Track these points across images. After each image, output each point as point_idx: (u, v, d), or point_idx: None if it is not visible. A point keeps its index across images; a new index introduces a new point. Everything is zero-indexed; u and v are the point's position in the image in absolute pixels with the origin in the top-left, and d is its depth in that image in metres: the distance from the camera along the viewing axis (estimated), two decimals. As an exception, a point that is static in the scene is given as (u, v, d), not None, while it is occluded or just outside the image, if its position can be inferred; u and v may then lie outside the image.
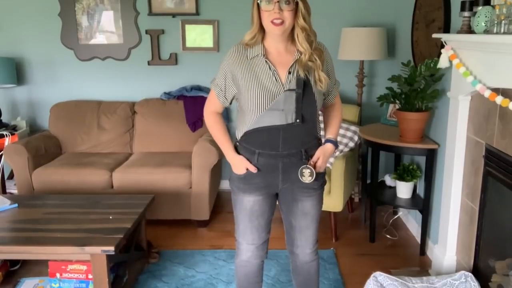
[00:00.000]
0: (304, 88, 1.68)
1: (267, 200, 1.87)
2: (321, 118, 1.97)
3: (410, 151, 2.89)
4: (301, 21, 1.64)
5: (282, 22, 1.62)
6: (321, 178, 1.86)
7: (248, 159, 1.78)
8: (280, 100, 1.68)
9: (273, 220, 1.96)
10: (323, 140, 1.86)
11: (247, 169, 1.78)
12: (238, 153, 1.82)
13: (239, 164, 1.80)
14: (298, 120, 1.70)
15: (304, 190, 1.82)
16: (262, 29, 1.70)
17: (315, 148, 1.80)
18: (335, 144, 1.84)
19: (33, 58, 3.89)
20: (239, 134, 1.82)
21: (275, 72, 1.69)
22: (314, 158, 1.77)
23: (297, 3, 1.62)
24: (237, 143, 1.83)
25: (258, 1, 1.64)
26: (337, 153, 3.17)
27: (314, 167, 1.76)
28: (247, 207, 1.87)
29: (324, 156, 1.79)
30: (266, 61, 1.69)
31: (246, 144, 1.78)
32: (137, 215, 2.46)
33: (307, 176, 1.74)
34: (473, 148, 2.31)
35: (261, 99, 1.68)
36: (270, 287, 2.55)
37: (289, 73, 1.69)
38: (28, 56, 3.89)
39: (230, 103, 1.85)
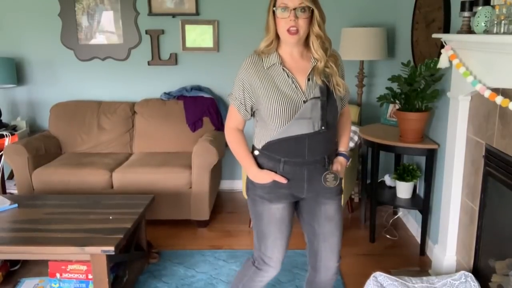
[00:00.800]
0: (327, 95, 1.69)
1: (291, 207, 1.83)
2: None
3: (410, 151, 2.89)
4: (316, 28, 1.64)
5: (297, 31, 1.61)
6: (341, 184, 1.84)
7: (272, 168, 1.74)
8: (307, 108, 1.66)
9: None
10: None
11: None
12: (257, 161, 1.77)
13: (264, 177, 1.75)
14: (323, 128, 1.69)
15: (327, 195, 1.79)
16: (277, 36, 1.68)
17: (334, 154, 1.83)
18: (347, 157, 1.86)
19: (33, 58, 3.90)
20: (259, 144, 1.77)
21: (294, 80, 1.67)
22: (334, 169, 1.78)
23: (312, 11, 1.62)
24: (258, 152, 1.77)
25: (274, 9, 1.63)
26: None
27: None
28: (277, 216, 1.78)
29: (341, 167, 1.82)
30: (283, 69, 1.67)
31: (269, 153, 1.74)
32: (137, 215, 2.46)
33: (331, 181, 1.75)
34: (473, 148, 2.31)
35: (283, 108, 1.65)
36: (270, 287, 2.55)
37: (308, 80, 1.68)
38: (28, 56, 3.89)
39: (252, 115, 1.80)
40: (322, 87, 1.67)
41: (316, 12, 1.62)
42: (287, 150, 1.70)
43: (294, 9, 1.58)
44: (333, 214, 1.82)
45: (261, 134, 1.76)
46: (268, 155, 1.73)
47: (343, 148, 1.87)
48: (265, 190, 1.76)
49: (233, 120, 1.81)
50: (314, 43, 1.66)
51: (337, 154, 1.85)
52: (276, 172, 1.73)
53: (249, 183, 1.82)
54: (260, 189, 1.77)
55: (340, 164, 1.81)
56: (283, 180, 1.72)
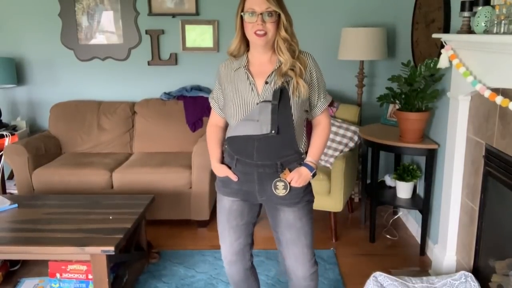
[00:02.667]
0: (280, 99, 1.68)
1: (246, 204, 1.86)
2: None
3: (410, 151, 2.89)
4: (283, 32, 1.67)
5: (265, 34, 1.65)
6: (303, 193, 1.79)
7: (229, 163, 1.82)
8: (255, 110, 1.70)
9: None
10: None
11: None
12: (223, 155, 1.87)
13: (220, 171, 1.85)
14: (273, 132, 1.69)
15: (283, 203, 1.78)
16: (245, 39, 1.74)
17: (295, 162, 1.77)
18: (311, 169, 1.76)
19: (33, 58, 3.90)
20: (226, 140, 1.88)
21: (252, 83, 1.71)
22: (288, 178, 1.73)
23: (279, 15, 1.66)
24: (225, 147, 1.86)
25: (242, 14, 1.70)
26: (337, 153, 3.17)
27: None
28: (226, 206, 1.87)
29: (299, 178, 1.74)
30: (245, 72, 1.73)
31: (228, 149, 1.83)
32: (137, 215, 2.46)
33: (280, 189, 1.73)
34: (473, 148, 2.31)
35: (238, 108, 1.72)
36: (270, 287, 2.55)
37: (266, 83, 1.70)
38: (28, 56, 3.89)
39: None
40: (275, 91, 1.68)
41: (282, 16, 1.66)
42: (238, 149, 1.77)
43: (261, 13, 1.63)
44: (293, 221, 1.79)
45: (227, 130, 1.87)
46: (228, 151, 1.83)
47: (309, 158, 1.79)
48: (220, 183, 1.87)
49: (212, 117, 1.95)
50: (281, 45, 1.68)
51: (301, 163, 1.78)
52: (231, 168, 1.81)
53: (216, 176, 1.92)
54: (219, 182, 1.88)
55: (299, 174, 1.73)
56: (233, 178, 1.79)
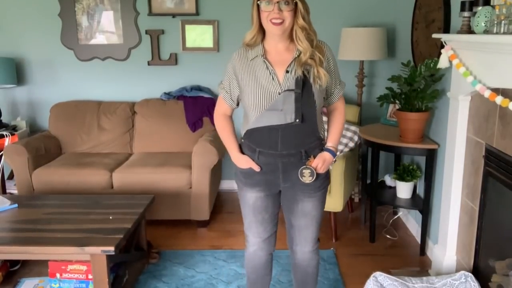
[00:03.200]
0: (303, 87, 1.70)
1: (269, 197, 1.88)
2: (325, 118, 1.97)
3: (410, 151, 2.89)
4: (300, 20, 1.66)
5: (282, 22, 1.64)
6: (324, 179, 1.86)
7: (250, 157, 1.82)
8: (279, 100, 1.70)
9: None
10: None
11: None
12: (242, 151, 1.86)
13: (243, 162, 1.83)
14: (297, 120, 1.71)
15: (305, 191, 1.83)
16: (262, 29, 1.72)
17: (317, 149, 1.81)
18: (333, 154, 1.83)
19: (33, 58, 3.90)
20: (242, 132, 1.86)
21: (272, 72, 1.71)
22: (314, 164, 1.77)
23: (296, 3, 1.65)
24: (242, 140, 1.86)
25: (258, 2, 1.66)
26: (338, 153, 3.16)
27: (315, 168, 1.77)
28: (250, 203, 1.89)
29: (323, 163, 1.79)
30: (264, 61, 1.72)
31: (248, 142, 1.82)
32: (137, 215, 2.46)
33: (307, 177, 1.75)
34: (473, 148, 2.31)
35: (259, 98, 1.71)
36: (270, 287, 2.54)
37: (287, 72, 1.70)
38: (28, 56, 3.89)
39: (237, 105, 1.88)
40: (298, 79, 1.69)
41: (299, 4, 1.65)
42: (261, 141, 1.77)
43: (278, 2, 1.62)
44: (310, 210, 1.88)
45: (244, 123, 1.85)
46: (248, 145, 1.82)
47: (330, 143, 1.85)
48: (243, 175, 1.86)
49: (220, 107, 1.91)
50: (299, 34, 1.68)
51: (323, 149, 1.83)
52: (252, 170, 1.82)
53: (235, 168, 1.91)
54: (240, 175, 1.88)
55: (323, 159, 1.79)
56: (256, 168, 1.79)
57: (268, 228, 1.94)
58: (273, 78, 1.70)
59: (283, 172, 1.80)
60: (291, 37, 1.72)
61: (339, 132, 1.88)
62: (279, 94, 1.70)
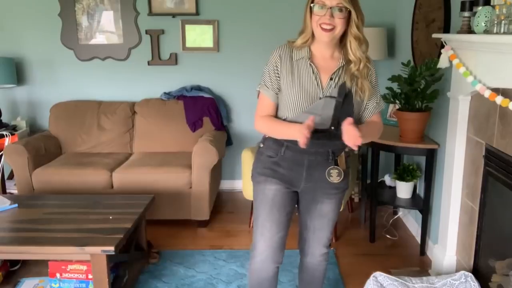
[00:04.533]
0: (345, 97, 1.68)
1: (289, 193, 1.82)
2: None
3: (410, 151, 2.89)
4: (354, 29, 1.63)
5: (332, 29, 1.61)
6: (346, 181, 1.84)
7: (274, 151, 1.77)
8: (319, 104, 1.68)
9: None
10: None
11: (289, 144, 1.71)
12: (264, 143, 1.82)
13: (302, 129, 1.58)
14: (333, 128, 1.70)
15: (326, 191, 1.81)
16: (313, 34, 1.68)
17: (342, 151, 1.78)
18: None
19: (33, 58, 3.90)
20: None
21: (317, 76, 1.69)
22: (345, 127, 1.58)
23: (349, 12, 1.61)
24: (266, 136, 1.81)
25: (311, 5, 1.63)
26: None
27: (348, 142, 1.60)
28: (269, 197, 1.80)
29: (350, 128, 1.57)
30: (310, 64, 1.70)
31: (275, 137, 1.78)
32: (137, 215, 2.46)
33: (335, 176, 1.75)
34: (473, 148, 2.31)
35: (299, 100, 1.69)
36: None
37: (331, 79, 1.69)
38: (28, 56, 3.89)
39: None
40: (341, 88, 1.67)
41: (353, 13, 1.61)
42: None
43: (331, 7, 1.59)
44: (327, 211, 1.86)
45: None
46: (274, 139, 1.77)
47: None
48: (266, 164, 1.80)
49: (261, 109, 1.79)
50: (352, 44, 1.65)
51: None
52: (276, 156, 1.77)
53: (254, 162, 1.86)
54: (261, 164, 1.81)
55: (351, 128, 1.55)
56: (309, 124, 1.57)
57: (281, 232, 1.83)
58: (317, 83, 1.69)
59: (307, 169, 1.77)
60: (338, 45, 1.70)
61: (369, 129, 1.72)
62: (320, 98, 1.68)
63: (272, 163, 1.79)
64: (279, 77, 1.73)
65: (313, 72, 1.69)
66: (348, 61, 1.68)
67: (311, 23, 1.66)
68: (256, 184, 1.86)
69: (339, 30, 1.62)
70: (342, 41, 1.69)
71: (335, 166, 1.74)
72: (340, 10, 1.59)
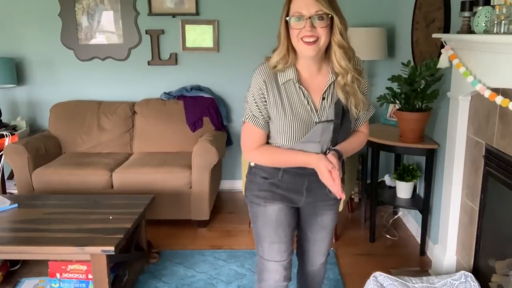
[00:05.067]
0: (342, 116, 1.55)
1: (292, 209, 1.72)
2: None
3: (410, 151, 2.89)
4: (338, 37, 1.45)
5: (316, 40, 1.43)
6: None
7: (270, 175, 1.63)
8: (316, 131, 1.54)
9: None
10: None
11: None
12: (257, 167, 1.66)
13: (326, 160, 1.51)
14: (328, 150, 1.57)
15: (326, 203, 1.74)
16: (293, 49, 1.50)
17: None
18: (340, 154, 1.55)
19: (33, 58, 3.90)
20: None
21: (309, 99, 1.53)
22: (330, 166, 1.50)
23: (332, 18, 1.44)
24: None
25: (287, 18, 1.45)
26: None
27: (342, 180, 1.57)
28: (272, 218, 1.67)
29: (335, 160, 1.53)
30: (300, 88, 1.52)
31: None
32: (137, 215, 2.46)
33: None
34: (473, 148, 2.31)
35: (294, 129, 1.53)
36: None
37: (323, 98, 1.53)
38: (28, 56, 3.89)
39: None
40: (337, 108, 1.53)
41: (336, 19, 1.44)
42: None
43: (310, 17, 1.41)
44: (328, 223, 1.80)
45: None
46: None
47: (337, 147, 1.59)
48: (263, 187, 1.66)
49: (253, 141, 1.61)
50: (337, 53, 1.48)
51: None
52: (273, 178, 1.63)
53: (247, 183, 1.72)
54: (258, 187, 1.67)
55: (334, 159, 1.50)
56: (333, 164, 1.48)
57: (289, 249, 1.73)
58: (310, 108, 1.52)
59: (307, 190, 1.66)
60: (324, 57, 1.52)
61: (352, 146, 1.63)
62: (316, 124, 1.53)
63: (269, 184, 1.65)
64: (267, 105, 1.55)
65: (304, 96, 1.53)
66: (336, 74, 1.52)
67: (287, 40, 1.48)
68: (254, 206, 1.71)
69: (323, 40, 1.44)
70: (327, 51, 1.51)
71: None
72: (321, 18, 1.41)
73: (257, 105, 1.56)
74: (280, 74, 1.53)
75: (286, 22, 1.46)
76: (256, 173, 1.67)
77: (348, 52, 1.49)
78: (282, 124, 1.53)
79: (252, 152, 1.62)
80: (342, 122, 1.56)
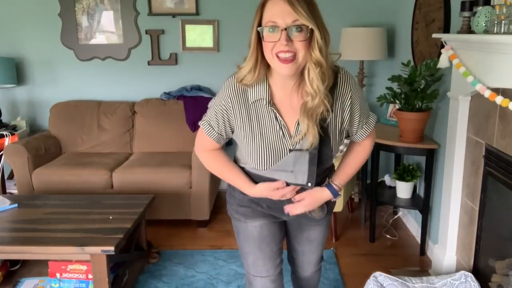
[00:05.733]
0: (320, 144, 1.34)
1: (276, 223, 1.59)
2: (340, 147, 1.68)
3: (410, 151, 2.89)
4: (316, 54, 1.22)
5: (293, 57, 1.21)
6: (332, 205, 1.62)
7: (248, 198, 1.51)
8: (288, 160, 1.36)
9: None
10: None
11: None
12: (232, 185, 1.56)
13: (263, 191, 1.43)
14: (310, 184, 1.39)
15: (311, 221, 1.60)
16: (264, 62, 1.30)
17: (326, 176, 1.51)
18: (335, 194, 1.45)
19: (33, 58, 3.90)
20: (239, 162, 1.54)
21: (282, 125, 1.34)
22: (297, 197, 1.44)
23: (311, 31, 1.21)
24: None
25: (259, 29, 1.24)
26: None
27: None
28: (254, 235, 1.56)
29: (310, 199, 1.43)
30: (272, 110, 1.33)
31: (248, 170, 1.50)
32: (137, 215, 2.46)
33: (317, 212, 1.50)
34: (473, 148, 2.31)
35: (263, 156, 1.36)
36: None
37: (299, 124, 1.33)
38: (28, 56, 3.89)
39: (229, 142, 1.54)
40: (313, 136, 1.30)
41: (316, 33, 1.21)
42: (268, 178, 1.45)
43: (286, 28, 1.19)
44: (316, 236, 1.69)
45: (241, 157, 1.52)
46: (247, 173, 1.51)
47: (336, 179, 1.47)
48: (242, 202, 1.54)
49: (203, 143, 1.51)
50: (311, 72, 1.24)
51: (326, 184, 1.47)
52: (251, 199, 1.50)
53: (227, 196, 1.62)
54: (238, 202, 1.56)
55: (312, 196, 1.42)
56: (281, 184, 1.41)
57: (277, 262, 1.63)
58: (283, 133, 1.33)
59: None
60: (302, 73, 1.29)
61: (353, 168, 1.49)
62: (289, 151, 1.35)
63: (248, 201, 1.53)
64: (230, 126, 1.41)
65: (276, 119, 1.33)
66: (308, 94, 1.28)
67: (257, 51, 1.27)
68: (236, 221, 1.61)
69: (302, 56, 1.22)
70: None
71: None
72: (299, 29, 1.19)
73: (216, 119, 1.42)
74: (250, 91, 1.34)
75: (258, 33, 1.25)
76: (235, 188, 1.55)
77: (325, 72, 1.25)
78: (250, 148, 1.37)
79: (202, 153, 1.53)
80: (321, 151, 1.36)
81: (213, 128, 1.45)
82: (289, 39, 1.20)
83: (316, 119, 1.29)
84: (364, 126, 1.46)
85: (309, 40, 1.22)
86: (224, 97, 1.37)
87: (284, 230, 1.69)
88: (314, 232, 1.67)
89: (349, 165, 1.51)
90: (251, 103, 1.34)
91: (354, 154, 1.53)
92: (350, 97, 1.35)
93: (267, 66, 1.31)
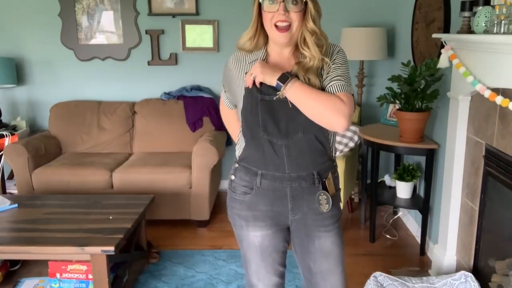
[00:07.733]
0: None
1: (279, 233, 1.58)
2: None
3: (410, 151, 2.89)
4: (310, 24, 1.39)
5: (289, 26, 1.38)
6: (338, 208, 1.57)
7: (248, 183, 1.52)
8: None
9: None
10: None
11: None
12: (236, 175, 1.57)
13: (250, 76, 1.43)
14: (300, 133, 1.42)
15: (319, 222, 1.53)
16: (263, 31, 1.45)
17: (329, 171, 1.51)
18: (279, 85, 1.37)
19: (33, 58, 3.90)
20: (238, 153, 1.59)
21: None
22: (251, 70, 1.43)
23: (306, 3, 1.38)
24: (237, 164, 1.57)
25: (260, 0, 1.40)
26: (338, 152, 3.17)
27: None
28: (256, 244, 1.57)
29: (260, 64, 1.40)
30: None
31: (246, 164, 1.52)
32: (137, 215, 2.46)
33: (324, 204, 1.48)
34: (473, 148, 2.31)
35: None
36: None
37: None
38: (28, 56, 3.89)
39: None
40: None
41: (310, 4, 1.38)
42: (263, 161, 1.47)
43: (283, 0, 1.36)
44: (330, 248, 1.55)
45: (240, 142, 1.57)
46: (246, 167, 1.52)
47: (295, 78, 1.40)
48: (243, 205, 1.55)
49: (224, 113, 1.77)
50: (308, 40, 1.40)
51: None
52: (252, 190, 1.52)
53: (228, 198, 1.63)
54: (237, 206, 1.57)
55: (262, 63, 1.41)
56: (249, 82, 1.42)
57: (279, 270, 1.62)
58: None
59: (292, 200, 1.50)
60: (297, 43, 1.44)
61: (313, 93, 1.36)
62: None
63: (250, 203, 1.53)
64: (232, 95, 1.57)
65: None
66: (305, 57, 1.42)
67: (258, 21, 1.43)
68: (237, 228, 1.63)
69: (296, 26, 1.39)
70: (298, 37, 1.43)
71: (323, 191, 1.47)
72: (295, 2, 1.36)
73: (225, 92, 1.63)
74: (249, 55, 1.49)
75: (259, 5, 1.41)
76: (236, 188, 1.56)
77: (321, 38, 1.42)
78: (243, 102, 1.47)
79: (223, 110, 1.77)
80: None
81: (226, 96, 1.65)
82: (286, 10, 1.36)
83: (316, 73, 1.42)
84: (337, 81, 1.40)
85: (303, 12, 1.39)
86: (227, 64, 1.55)
87: (289, 238, 1.62)
88: (326, 241, 1.55)
89: (314, 89, 1.39)
90: (248, 63, 1.49)
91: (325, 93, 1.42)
92: (335, 59, 1.45)
93: (266, 38, 1.47)
